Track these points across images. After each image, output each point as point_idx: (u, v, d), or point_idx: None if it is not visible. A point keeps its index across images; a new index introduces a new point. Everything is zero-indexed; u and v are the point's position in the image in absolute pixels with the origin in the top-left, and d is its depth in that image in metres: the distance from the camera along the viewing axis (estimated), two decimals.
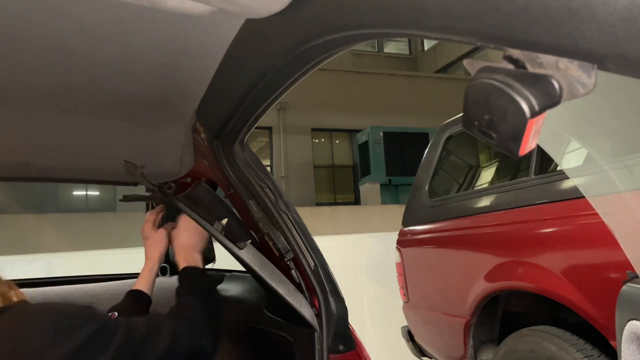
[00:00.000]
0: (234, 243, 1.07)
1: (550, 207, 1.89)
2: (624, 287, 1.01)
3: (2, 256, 3.46)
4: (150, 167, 1.15)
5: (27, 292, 1.30)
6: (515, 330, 2.06)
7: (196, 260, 1.17)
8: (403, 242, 2.87)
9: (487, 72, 0.34)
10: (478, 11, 0.32)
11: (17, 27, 0.62)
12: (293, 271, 1.07)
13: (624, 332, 0.93)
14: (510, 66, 0.33)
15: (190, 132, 1.08)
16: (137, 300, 1.15)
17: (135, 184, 1.42)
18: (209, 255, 1.55)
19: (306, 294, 1.06)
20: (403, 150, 9.26)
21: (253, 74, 0.68)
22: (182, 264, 1.16)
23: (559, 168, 1.92)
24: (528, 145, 0.33)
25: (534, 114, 0.31)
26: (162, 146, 1.16)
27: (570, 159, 1.61)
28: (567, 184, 1.84)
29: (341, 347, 1.01)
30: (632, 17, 0.25)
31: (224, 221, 1.09)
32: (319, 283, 1.03)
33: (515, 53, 0.33)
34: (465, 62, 0.37)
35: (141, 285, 1.19)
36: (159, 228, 1.30)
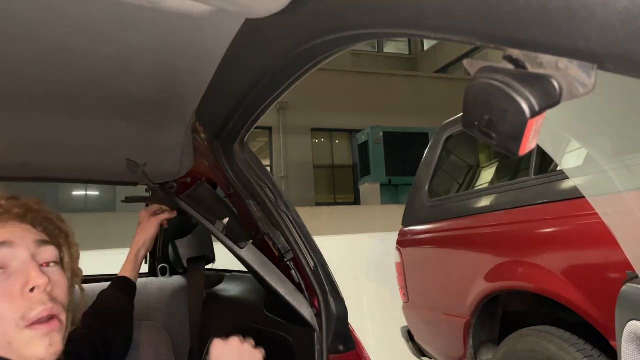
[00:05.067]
0: (235, 243, 1.07)
1: (550, 207, 1.89)
2: (624, 287, 1.01)
3: None
4: (150, 166, 1.15)
5: None
6: (515, 330, 2.06)
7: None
8: (403, 242, 2.87)
9: (487, 72, 0.34)
10: (478, 11, 0.32)
11: (17, 27, 0.62)
12: (293, 271, 1.07)
13: (624, 332, 0.93)
14: (510, 66, 0.33)
15: (190, 132, 1.08)
16: (121, 288, 1.19)
17: (135, 184, 1.42)
18: (209, 256, 1.55)
19: (306, 294, 1.06)
20: (403, 150, 9.25)
21: (253, 74, 0.68)
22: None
23: (559, 168, 1.92)
24: (528, 145, 0.33)
25: (534, 114, 0.31)
26: (162, 146, 1.16)
27: (570, 159, 1.61)
28: (567, 184, 1.84)
29: (341, 348, 1.01)
30: (632, 17, 0.25)
31: (225, 221, 1.10)
32: (319, 283, 1.03)
33: (515, 53, 0.33)
34: (465, 62, 0.37)
35: (127, 271, 1.23)
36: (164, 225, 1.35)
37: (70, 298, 0.77)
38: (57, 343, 0.67)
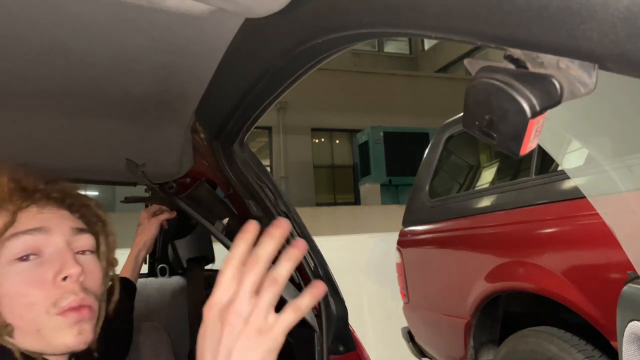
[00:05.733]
0: None
1: (551, 207, 1.89)
2: (625, 288, 1.01)
3: None
4: (150, 167, 1.15)
5: None
6: (515, 330, 2.06)
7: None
8: (403, 243, 2.86)
9: (487, 72, 0.34)
10: (478, 11, 0.32)
11: (16, 27, 0.62)
12: (293, 272, 1.07)
13: (624, 333, 0.93)
14: (511, 66, 0.33)
15: (189, 132, 1.08)
16: (121, 288, 1.18)
17: (135, 185, 1.42)
18: (208, 256, 1.55)
19: None
20: (403, 150, 9.26)
21: (253, 74, 0.68)
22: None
23: (559, 168, 1.91)
24: (529, 145, 0.32)
25: (535, 113, 0.31)
26: (162, 146, 1.16)
27: (571, 158, 1.61)
28: (568, 184, 1.84)
29: (341, 348, 1.01)
30: (632, 17, 0.25)
31: (225, 221, 1.09)
32: None
33: (516, 53, 0.33)
34: (465, 61, 0.37)
35: (126, 272, 1.23)
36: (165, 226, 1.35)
37: (104, 288, 0.75)
38: (86, 332, 0.66)
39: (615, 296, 1.00)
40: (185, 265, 1.51)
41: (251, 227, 0.48)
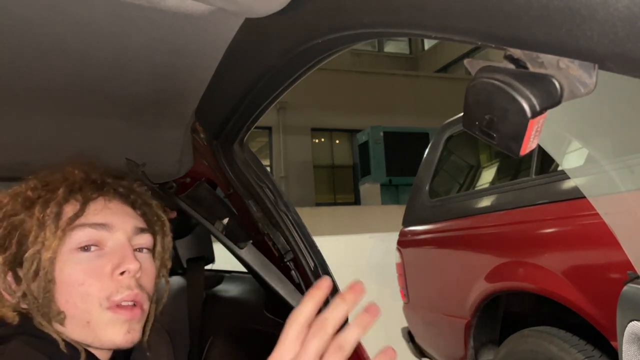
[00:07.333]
0: (235, 243, 1.07)
1: (551, 207, 1.88)
2: (625, 288, 1.01)
3: None
4: (150, 167, 1.15)
5: None
6: (516, 331, 2.06)
7: None
8: (403, 243, 2.86)
9: (487, 72, 0.34)
10: (478, 11, 0.32)
11: (15, 26, 0.62)
12: (293, 272, 1.07)
13: (625, 333, 0.93)
14: (511, 66, 0.33)
15: (189, 132, 1.08)
16: None
17: None
18: (208, 256, 1.55)
19: None
20: (403, 150, 9.26)
21: (253, 74, 0.68)
22: None
23: (559, 168, 1.91)
24: (529, 145, 0.32)
25: (535, 113, 0.31)
26: (161, 146, 1.16)
27: (571, 158, 1.61)
28: (568, 184, 1.84)
29: None
30: (633, 16, 0.25)
31: (225, 221, 1.09)
32: None
33: (516, 53, 0.33)
34: (465, 61, 0.37)
35: None
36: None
37: (156, 289, 0.75)
38: (135, 331, 0.67)
39: (615, 296, 1.00)
40: (185, 265, 1.51)
41: (324, 285, 0.47)
